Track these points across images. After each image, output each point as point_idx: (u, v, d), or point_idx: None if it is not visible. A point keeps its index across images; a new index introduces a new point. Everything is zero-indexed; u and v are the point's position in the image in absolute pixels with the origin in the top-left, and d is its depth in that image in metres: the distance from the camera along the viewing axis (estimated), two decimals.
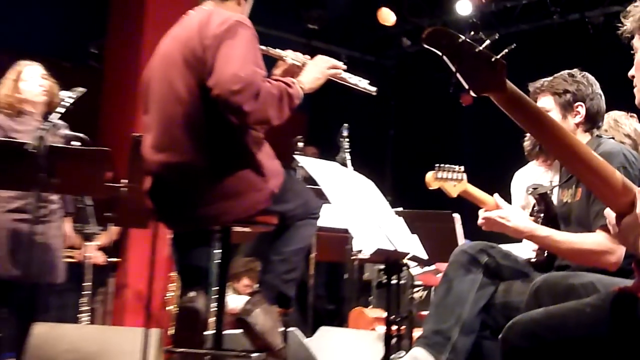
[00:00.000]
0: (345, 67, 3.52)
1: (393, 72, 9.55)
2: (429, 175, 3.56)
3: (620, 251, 2.95)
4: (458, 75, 2.09)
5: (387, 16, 8.41)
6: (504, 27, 8.06)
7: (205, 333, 3.33)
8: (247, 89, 3.01)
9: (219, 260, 3.44)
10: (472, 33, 2.00)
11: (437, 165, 3.52)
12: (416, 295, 5.25)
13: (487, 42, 2.08)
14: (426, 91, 8.77)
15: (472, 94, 2.11)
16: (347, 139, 5.07)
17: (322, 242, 5.29)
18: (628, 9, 2.29)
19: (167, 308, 5.30)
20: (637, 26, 2.26)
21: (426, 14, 8.41)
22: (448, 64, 2.09)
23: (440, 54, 2.10)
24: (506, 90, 2.14)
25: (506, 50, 2.11)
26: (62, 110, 4.49)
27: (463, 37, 2.11)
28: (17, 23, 7.29)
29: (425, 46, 2.11)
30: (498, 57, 2.10)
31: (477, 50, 2.09)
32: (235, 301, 4.75)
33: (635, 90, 2.31)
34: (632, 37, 2.29)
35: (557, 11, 7.85)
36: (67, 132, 4.91)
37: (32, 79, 4.98)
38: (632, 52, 2.31)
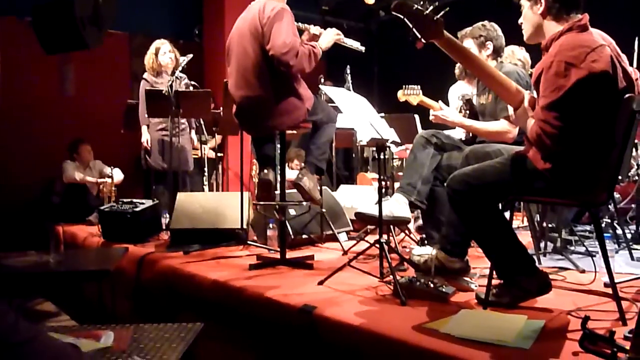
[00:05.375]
0: (343, 35, 3.37)
1: (375, 33, 9.33)
2: (399, 92, 3.47)
3: (515, 131, 2.90)
4: (414, 29, 2.00)
5: None
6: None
7: (275, 192, 3.35)
8: (291, 51, 2.94)
9: (280, 150, 3.42)
10: (422, 3, 1.90)
11: (404, 85, 3.44)
12: (395, 164, 5.25)
13: (431, 8, 1.99)
14: (395, 43, 8.63)
15: (423, 40, 2.03)
16: (349, 75, 4.96)
17: (339, 136, 5.26)
18: None
19: (253, 180, 5.33)
20: None
21: None
22: (407, 23, 2.00)
23: (402, 17, 2.00)
24: (444, 37, 2.05)
25: (442, 12, 2.02)
26: (181, 68, 4.44)
27: (416, 6, 2.01)
28: (149, 13, 7.05)
29: (393, 13, 2.02)
30: (438, 16, 2.01)
31: (425, 13, 1.99)
32: (290, 174, 4.76)
33: (523, 31, 2.22)
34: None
35: None
36: (187, 81, 4.86)
37: (165, 53, 4.91)
38: (520, 9, 2.20)
